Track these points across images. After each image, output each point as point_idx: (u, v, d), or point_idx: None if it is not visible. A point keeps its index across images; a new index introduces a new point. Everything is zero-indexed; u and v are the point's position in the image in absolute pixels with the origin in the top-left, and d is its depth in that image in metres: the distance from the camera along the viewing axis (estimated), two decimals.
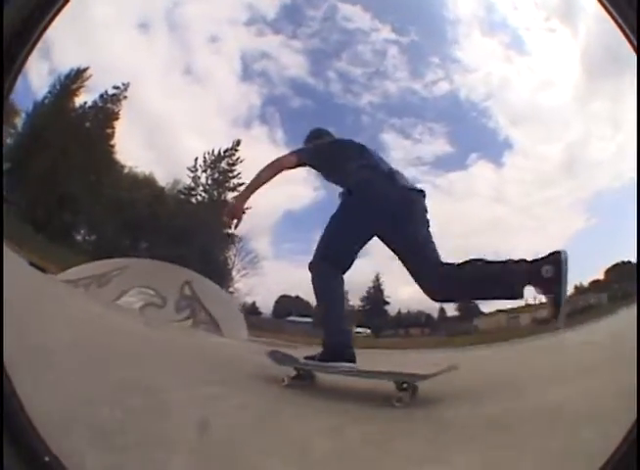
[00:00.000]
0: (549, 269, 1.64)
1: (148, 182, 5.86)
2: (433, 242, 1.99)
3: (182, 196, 6.01)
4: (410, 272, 1.94)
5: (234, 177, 6.05)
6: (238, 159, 5.88)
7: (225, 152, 5.91)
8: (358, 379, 1.85)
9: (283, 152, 2.07)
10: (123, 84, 4.08)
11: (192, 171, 5.74)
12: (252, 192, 2.02)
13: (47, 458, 0.80)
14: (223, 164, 5.98)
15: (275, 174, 2.04)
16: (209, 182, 5.98)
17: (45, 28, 0.87)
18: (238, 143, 5.90)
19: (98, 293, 4.73)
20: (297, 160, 2.09)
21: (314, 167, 2.21)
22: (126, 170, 5.59)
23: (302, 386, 1.96)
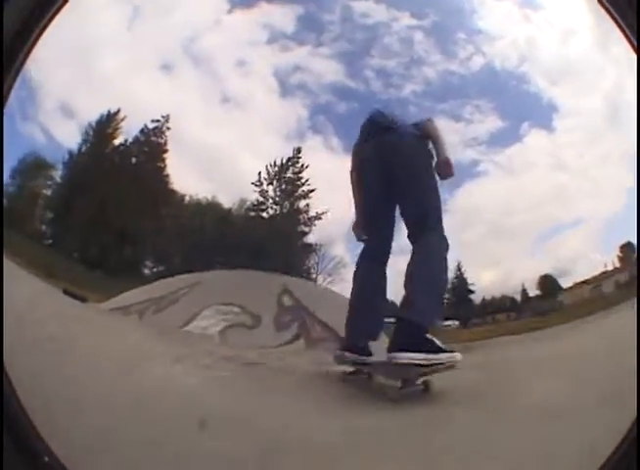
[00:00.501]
0: None
1: (212, 206, 5.68)
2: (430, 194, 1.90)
3: (252, 213, 5.87)
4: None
5: (303, 184, 5.90)
6: (303, 165, 5.75)
7: (288, 161, 5.81)
8: None
9: (342, 158, 2.12)
10: (163, 116, 3.99)
11: (257, 186, 5.62)
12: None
13: (47, 458, 0.80)
14: (289, 174, 5.85)
15: None
16: (278, 193, 5.85)
17: (45, 28, 0.87)
18: (299, 150, 5.78)
19: (157, 319, 3.42)
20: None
21: None
22: (187, 199, 5.43)
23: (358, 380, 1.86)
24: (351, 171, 2.11)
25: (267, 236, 5.50)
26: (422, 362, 1.47)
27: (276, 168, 5.27)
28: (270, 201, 5.47)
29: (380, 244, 1.99)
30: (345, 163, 2.10)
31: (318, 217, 5.85)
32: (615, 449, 0.77)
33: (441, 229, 1.84)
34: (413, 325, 1.55)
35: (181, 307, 3.51)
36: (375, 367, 1.78)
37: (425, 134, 2.00)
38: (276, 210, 5.52)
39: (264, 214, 5.47)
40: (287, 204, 5.52)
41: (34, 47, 0.88)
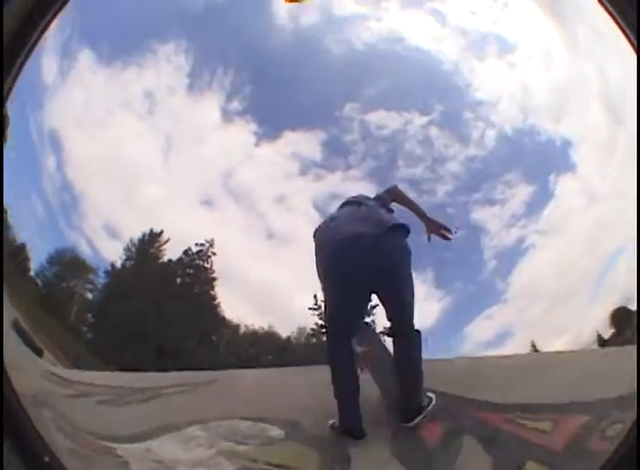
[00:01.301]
0: None
1: (269, 335, 5.39)
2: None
3: (313, 338, 5.59)
4: None
5: None
6: None
7: None
8: None
9: None
10: (207, 241, 3.77)
11: (315, 310, 5.38)
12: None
13: (47, 458, 0.80)
14: None
15: None
16: None
17: (45, 28, 0.88)
18: None
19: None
20: None
21: None
22: (243, 329, 5.15)
23: None
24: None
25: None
26: None
27: None
28: None
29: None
30: None
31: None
32: (615, 450, 0.77)
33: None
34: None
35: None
36: None
37: (395, 200, 2.06)
38: None
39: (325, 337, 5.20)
40: None
41: (34, 47, 0.88)
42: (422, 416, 1.78)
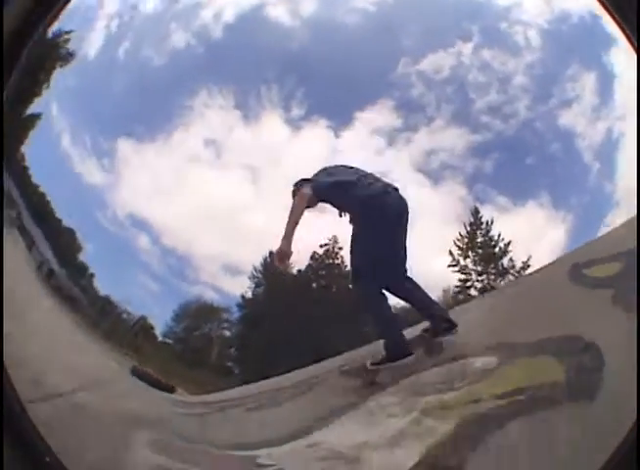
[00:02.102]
0: None
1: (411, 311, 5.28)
2: None
3: (460, 295, 5.36)
4: None
5: (496, 242, 5.53)
6: (488, 222, 5.36)
7: (471, 226, 5.49)
8: None
9: None
10: (329, 239, 3.71)
11: (455, 266, 5.24)
12: (292, 236, 2.17)
13: (47, 458, 0.80)
14: (479, 239, 5.55)
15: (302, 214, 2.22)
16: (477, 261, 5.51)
17: (45, 29, 0.88)
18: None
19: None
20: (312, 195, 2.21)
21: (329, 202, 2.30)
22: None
23: None
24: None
25: None
26: None
27: (465, 240, 4.75)
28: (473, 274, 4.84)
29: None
30: None
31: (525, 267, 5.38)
32: (615, 450, 0.77)
33: None
34: None
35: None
36: None
37: None
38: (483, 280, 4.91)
39: (472, 291, 4.88)
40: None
41: (34, 47, 0.88)
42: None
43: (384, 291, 2.22)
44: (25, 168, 2.83)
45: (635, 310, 1.05)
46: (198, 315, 3.12)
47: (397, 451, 1.29)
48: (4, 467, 0.74)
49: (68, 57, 3.19)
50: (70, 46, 2.93)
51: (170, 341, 2.79)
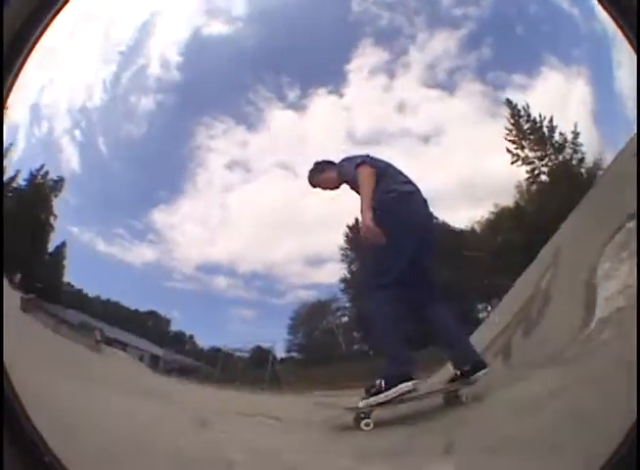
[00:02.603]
0: None
1: None
2: None
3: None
4: None
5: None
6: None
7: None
8: None
9: None
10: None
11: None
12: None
13: (47, 458, 0.80)
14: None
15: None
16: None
17: (45, 29, 0.87)
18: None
19: None
20: (366, 166, 2.13)
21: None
22: None
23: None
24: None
25: None
26: None
27: (514, 132, 4.24)
28: (536, 161, 4.34)
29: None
30: None
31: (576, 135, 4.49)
32: (615, 450, 0.77)
33: None
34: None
35: None
36: None
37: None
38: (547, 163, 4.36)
39: (543, 177, 4.35)
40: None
41: (34, 47, 0.88)
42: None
43: (399, 307, 1.98)
44: (80, 291, 2.92)
45: None
46: (310, 318, 3.11)
47: None
48: (4, 467, 0.74)
49: (57, 185, 3.21)
50: (51, 176, 2.96)
51: (295, 354, 2.79)
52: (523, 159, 4.00)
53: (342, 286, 3.25)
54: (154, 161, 3.14)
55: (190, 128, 3.19)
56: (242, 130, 3.03)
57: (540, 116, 3.96)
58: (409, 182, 2.19)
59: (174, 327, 3.19)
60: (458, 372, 1.97)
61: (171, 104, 3.19)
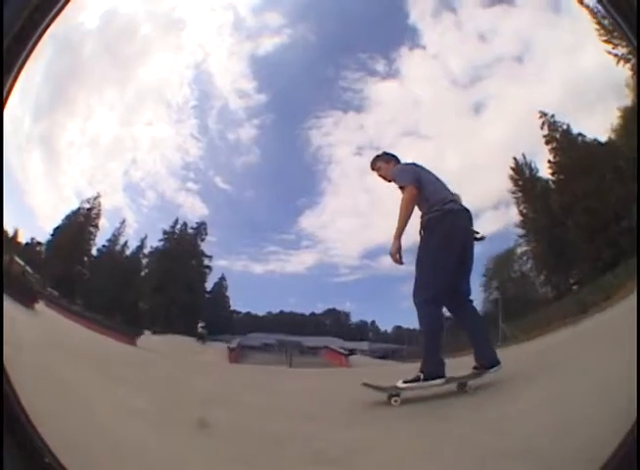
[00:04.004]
0: None
1: None
2: None
3: None
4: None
5: None
6: None
7: None
8: None
9: None
10: None
11: None
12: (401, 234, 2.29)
13: (47, 459, 0.80)
14: None
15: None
16: None
17: (45, 29, 0.87)
18: None
19: None
20: (413, 190, 2.33)
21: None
22: None
23: None
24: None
25: None
26: None
27: None
28: None
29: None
30: None
31: None
32: (615, 450, 0.77)
33: None
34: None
35: None
36: None
37: None
38: None
39: None
40: None
41: (34, 47, 0.88)
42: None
43: (441, 307, 2.26)
44: (248, 313, 3.16)
45: None
46: (497, 270, 3.17)
47: None
48: (4, 467, 0.74)
49: (200, 229, 3.28)
50: (191, 225, 3.25)
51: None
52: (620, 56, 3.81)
53: (518, 231, 3.27)
54: (280, 177, 3.25)
55: (301, 136, 3.22)
56: (353, 116, 3.06)
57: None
58: (453, 201, 2.36)
59: (354, 318, 3.28)
60: (477, 365, 2.25)
61: (271, 122, 3.26)
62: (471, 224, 2.36)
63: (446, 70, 3.13)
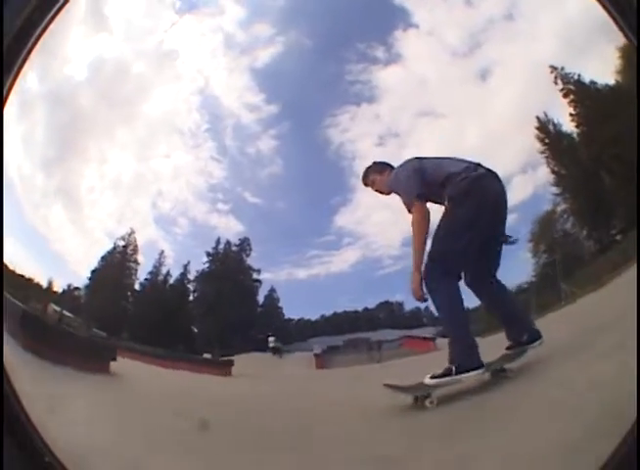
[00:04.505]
0: None
1: None
2: None
3: None
4: None
5: None
6: None
7: None
8: None
9: None
10: None
11: None
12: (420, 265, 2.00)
13: (47, 459, 0.80)
14: None
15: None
16: None
17: (45, 29, 0.87)
18: None
19: None
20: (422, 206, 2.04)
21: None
22: None
23: None
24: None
25: None
26: None
27: None
28: None
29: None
30: None
31: None
32: (615, 449, 0.77)
33: None
34: None
35: None
36: None
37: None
38: None
39: None
40: None
41: (34, 47, 0.88)
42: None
43: (460, 290, 1.93)
44: (301, 320, 3.08)
45: None
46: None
47: None
48: (4, 467, 0.74)
49: (244, 246, 3.26)
50: (234, 243, 3.20)
51: None
52: None
53: (553, 190, 3.24)
54: (308, 181, 3.27)
55: (320, 137, 3.23)
56: (365, 107, 3.06)
57: None
58: (479, 165, 2.07)
59: (407, 307, 3.29)
60: (513, 343, 1.96)
61: (287, 130, 3.28)
62: (503, 187, 2.05)
63: (444, 43, 3.14)
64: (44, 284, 2.47)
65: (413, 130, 3.13)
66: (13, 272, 2.16)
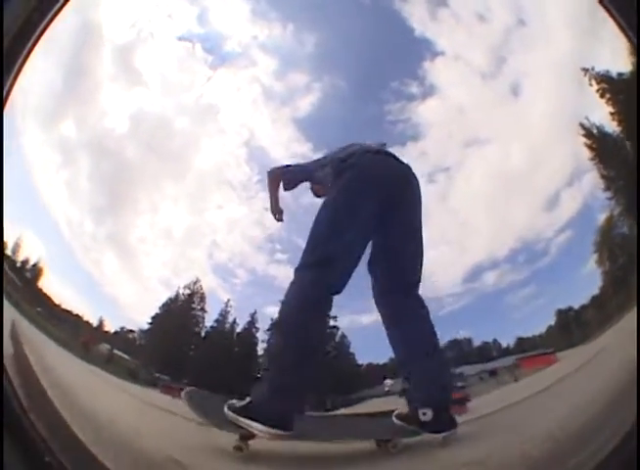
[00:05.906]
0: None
1: None
2: None
3: None
4: None
5: None
6: None
7: None
8: None
9: None
10: None
11: None
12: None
13: (47, 458, 0.80)
14: None
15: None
16: None
17: (45, 29, 0.87)
18: None
19: None
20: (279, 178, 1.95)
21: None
22: None
23: None
24: None
25: None
26: None
27: None
28: None
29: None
30: None
31: None
32: (615, 449, 0.77)
33: None
34: None
35: None
36: None
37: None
38: None
39: None
40: None
41: (34, 47, 0.88)
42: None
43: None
44: (377, 365, 3.07)
45: None
46: None
47: None
48: (4, 467, 0.74)
49: None
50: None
51: None
52: None
53: (607, 195, 3.23)
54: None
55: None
56: (411, 147, 3.10)
57: None
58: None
59: (476, 342, 3.28)
60: (412, 413, 1.47)
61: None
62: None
63: (472, 65, 3.14)
64: (94, 323, 2.52)
65: (461, 162, 3.12)
66: (58, 306, 2.34)
